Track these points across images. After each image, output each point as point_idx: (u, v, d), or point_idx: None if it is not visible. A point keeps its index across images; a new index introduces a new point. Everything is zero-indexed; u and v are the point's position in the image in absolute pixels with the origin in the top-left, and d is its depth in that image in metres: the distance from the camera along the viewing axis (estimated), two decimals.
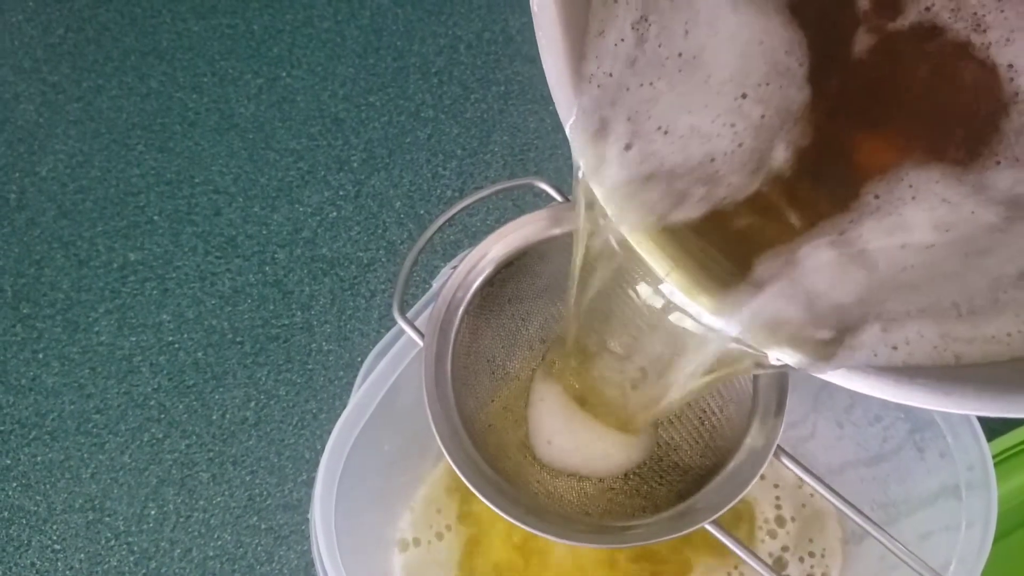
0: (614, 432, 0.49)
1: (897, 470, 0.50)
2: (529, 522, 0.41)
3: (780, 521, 0.55)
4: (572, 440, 0.49)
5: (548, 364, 0.51)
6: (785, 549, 0.55)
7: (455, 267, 0.46)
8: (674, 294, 0.31)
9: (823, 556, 0.54)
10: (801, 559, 0.54)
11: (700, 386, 0.48)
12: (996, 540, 0.50)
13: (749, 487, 0.41)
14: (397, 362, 0.46)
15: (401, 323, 0.44)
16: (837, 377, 0.28)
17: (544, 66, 0.30)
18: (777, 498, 0.56)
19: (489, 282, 0.46)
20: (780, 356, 0.29)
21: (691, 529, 0.41)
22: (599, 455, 0.49)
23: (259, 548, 0.60)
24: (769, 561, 0.55)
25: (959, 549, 0.43)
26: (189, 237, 0.70)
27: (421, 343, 0.44)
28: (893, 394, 0.28)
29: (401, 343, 0.46)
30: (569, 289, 0.42)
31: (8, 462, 0.63)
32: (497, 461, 0.46)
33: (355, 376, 0.65)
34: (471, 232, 0.67)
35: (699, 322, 0.31)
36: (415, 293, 0.45)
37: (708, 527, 0.41)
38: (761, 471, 0.41)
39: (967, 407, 0.27)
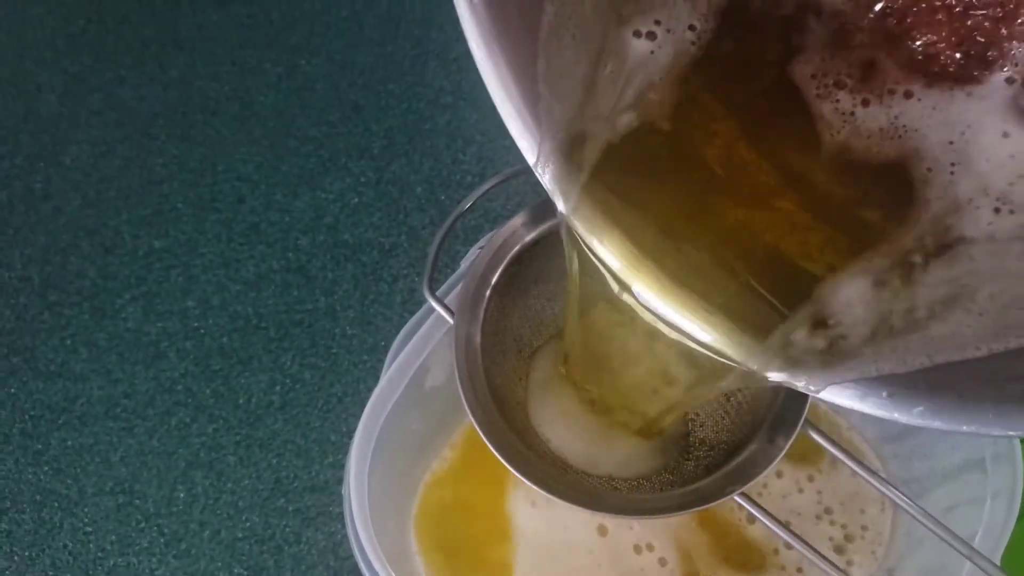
0: (624, 439, 0.50)
1: (921, 446, 0.50)
2: (560, 493, 0.42)
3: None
4: (583, 449, 0.50)
5: (544, 371, 0.52)
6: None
7: (483, 247, 0.47)
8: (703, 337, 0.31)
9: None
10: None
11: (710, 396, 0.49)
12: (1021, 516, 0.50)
13: (778, 460, 0.42)
14: (427, 340, 0.46)
15: (432, 302, 0.45)
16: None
17: (503, 117, 0.31)
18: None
19: (516, 261, 0.47)
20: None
21: (721, 500, 0.41)
22: (613, 463, 0.50)
23: (287, 529, 0.61)
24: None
25: (985, 520, 0.43)
26: (213, 224, 0.70)
27: (451, 321, 0.45)
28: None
29: (430, 322, 0.47)
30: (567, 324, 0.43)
31: (39, 447, 0.64)
32: (526, 436, 0.47)
33: (379, 360, 0.66)
34: (492, 217, 0.68)
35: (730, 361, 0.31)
36: (438, 277, 0.46)
37: (737, 498, 0.42)
38: (790, 444, 0.42)
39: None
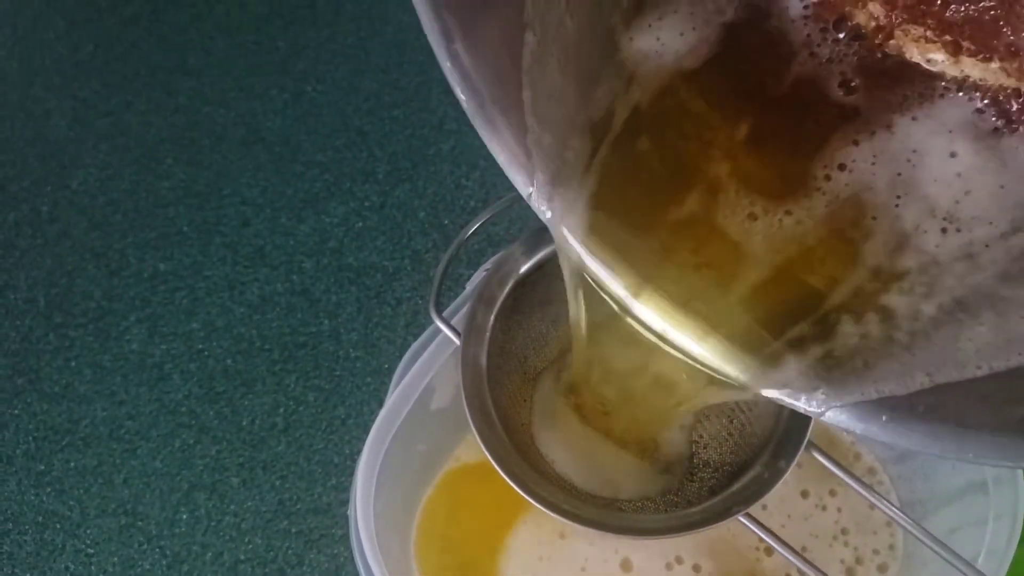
0: (628, 461, 0.50)
1: (923, 468, 0.50)
2: (564, 513, 0.42)
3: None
4: (587, 471, 0.50)
5: (549, 393, 0.52)
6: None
7: (488, 269, 0.48)
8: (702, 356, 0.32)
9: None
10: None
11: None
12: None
13: (782, 479, 0.42)
14: (432, 361, 0.47)
15: (438, 322, 0.46)
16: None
17: (494, 154, 0.32)
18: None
19: (521, 283, 0.47)
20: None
21: (726, 520, 0.42)
22: (617, 485, 0.50)
23: (289, 552, 0.61)
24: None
25: (987, 542, 0.44)
26: (218, 247, 0.71)
27: (458, 342, 0.45)
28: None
29: (436, 343, 0.47)
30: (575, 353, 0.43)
31: (42, 468, 0.64)
32: (529, 457, 0.47)
33: (383, 382, 0.66)
34: (495, 240, 0.68)
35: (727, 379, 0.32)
36: (443, 300, 0.46)
37: (742, 519, 0.42)
38: (794, 463, 0.42)
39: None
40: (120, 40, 0.80)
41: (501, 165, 0.32)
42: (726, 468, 0.47)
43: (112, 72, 0.79)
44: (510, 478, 0.42)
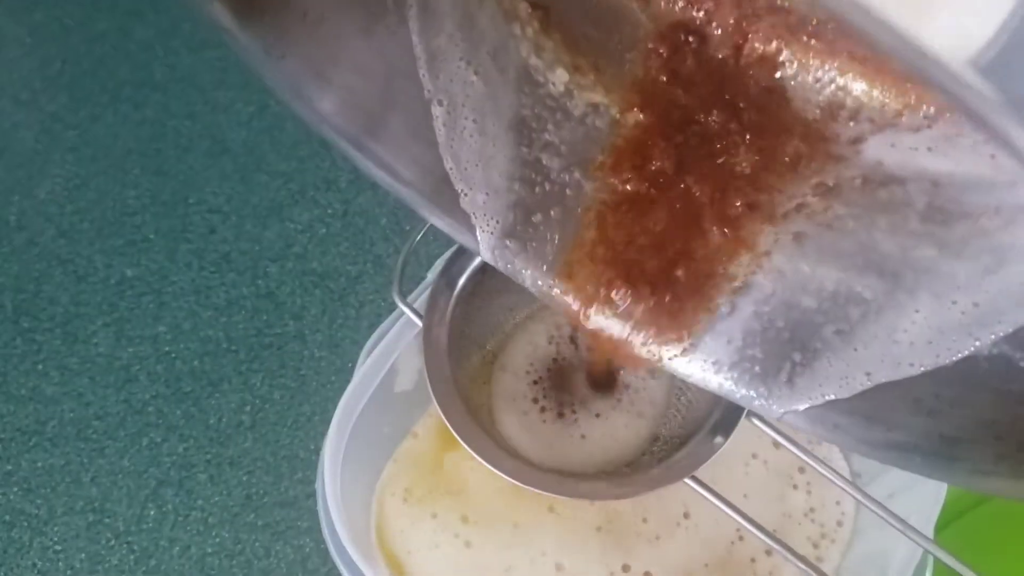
0: (586, 447, 0.53)
1: None
2: (529, 481, 0.45)
3: None
4: (546, 454, 0.52)
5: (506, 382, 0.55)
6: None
7: (449, 257, 0.50)
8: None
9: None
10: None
11: None
12: (953, 519, 0.54)
13: (725, 444, 0.45)
14: (396, 342, 0.49)
15: (401, 306, 0.48)
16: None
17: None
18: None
19: (481, 270, 0.50)
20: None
21: (672, 482, 0.44)
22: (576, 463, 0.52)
23: (256, 544, 0.63)
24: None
25: (918, 500, 0.47)
26: (184, 254, 0.73)
27: (420, 324, 0.48)
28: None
29: (399, 325, 0.50)
30: None
31: (9, 468, 0.65)
32: (491, 435, 0.49)
33: (347, 380, 0.68)
34: None
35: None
36: (407, 286, 0.49)
37: (688, 481, 0.45)
38: (735, 429, 0.45)
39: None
40: (87, 56, 0.82)
41: (447, 233, 0.35)
42: (674, 441, 0.50)
43: (79, 87, 0.81)
44: (473, 450, 0.45)
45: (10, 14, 0.84)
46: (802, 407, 0.33)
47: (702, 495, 0.43)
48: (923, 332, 0.30)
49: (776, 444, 0.46)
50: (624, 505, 0.54)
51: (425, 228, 0.49)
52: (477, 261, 0.50)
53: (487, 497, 0.54)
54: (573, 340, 0.55)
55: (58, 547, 0.63)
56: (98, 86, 0.81)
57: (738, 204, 0.32)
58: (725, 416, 0.47)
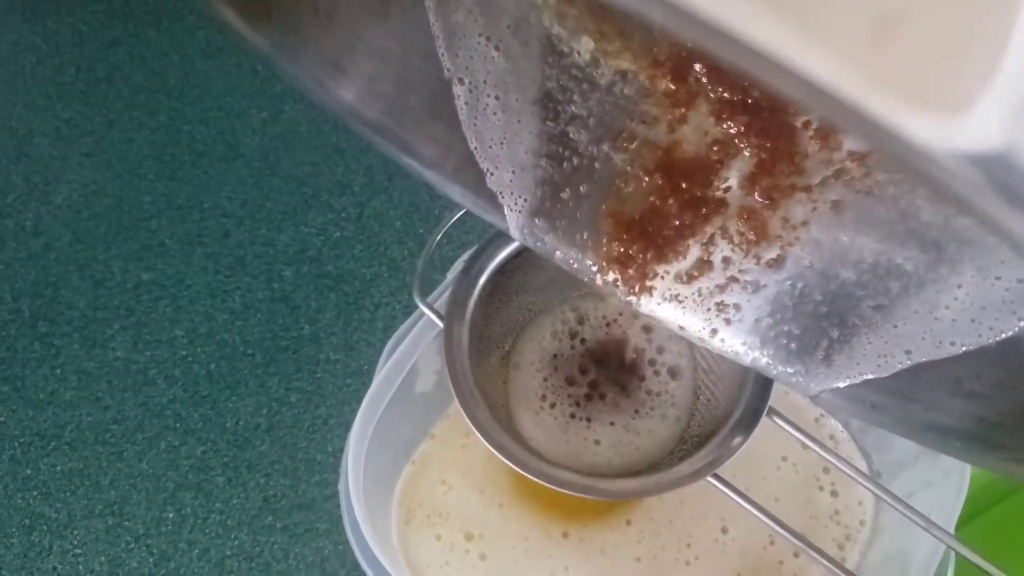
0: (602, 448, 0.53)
1: (877, 441, 0.54)
2: (553, 481, 0.45)
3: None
4: (564, 455, 0.53)
5: (523, 383, 0.55)
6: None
7: (467, 258, 0.51)
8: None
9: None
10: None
11: None
12: (974, 516, 0.54)
13: (747, 442, 0.45)
14: (416, 343, 0.50)
15: (422, 307, 0.48)
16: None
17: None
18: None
19: (500, 271, 0.50)
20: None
21: (695, 481, 0.45)
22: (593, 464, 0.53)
23: (275, 546, 0.63)
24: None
25: (939, 499, 0.47)
26: (200, 258, 0.73)
27: (441, 324, 0.48)
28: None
29: (419, 326, 0.50)
30: None
31: (28, 472, 0.65)
32: (510, 431, 0.50)
33: (363, 384, 0.69)
34: (480, 231, 0.71)
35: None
36: (427, 287, 0.50)
37: (713, 481, 0.45)
38: (755, 429, 0.45)
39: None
40: (102, 63, 0.83)
41: (475, 213, 0.35)
42: (692, 440, 0.50)
43: (94, 93, 0.81)
44: (496, 448, 0.45)
45: (24, 21, 0.85)
46: (840, 385, 0.33)
47: (741, 507, 0.43)
48: (965, 309, 0.29)
49: (804, 446, 0.46)
50: (665, 530, 0.55)
51: (444, 230, 0.50)
52: (496, 261, 0.50)
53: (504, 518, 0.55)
54: (580, 337, 0.56)
55: (78, 551, 0.63)
56: (113, 92, 0.81)
57: (779, 168, 0.32)
58: (746, 414, 0.48)
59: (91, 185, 0.77)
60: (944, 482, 0.48)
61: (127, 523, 0.64)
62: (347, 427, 0.62)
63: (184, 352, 0.70)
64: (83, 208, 0.75)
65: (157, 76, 0.82)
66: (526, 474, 0.45)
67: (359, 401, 0.67)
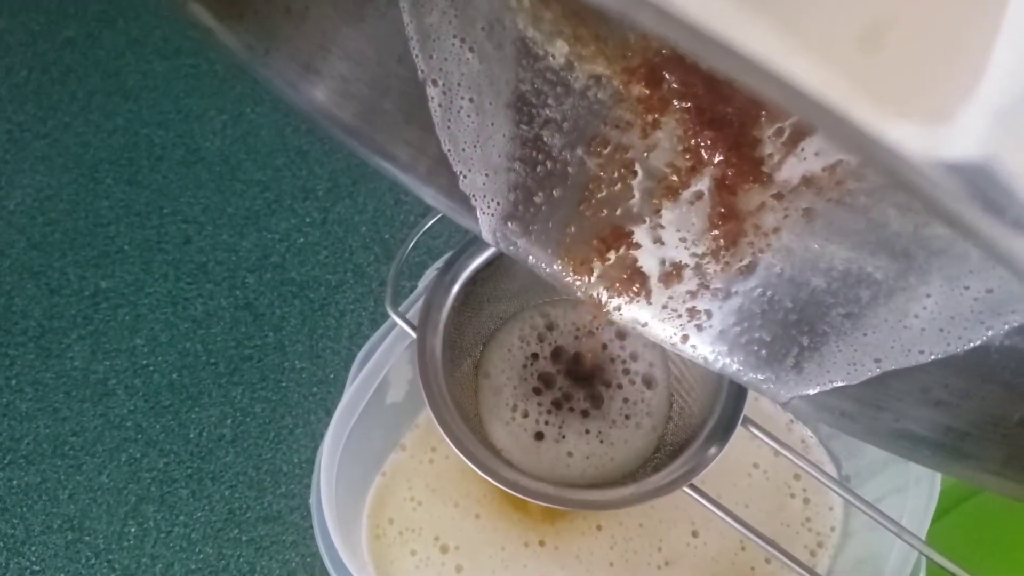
0: (575, 461, 0.53)
1: (847, 446, 0.54)
2: (528, 493, 0.44)
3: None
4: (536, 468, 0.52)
5: (495, 393, 0.55)
6: None
7: (439, 267, 0.50)
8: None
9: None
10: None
11: None
12: (947, 511, 0.55)
13: (722, 452, 0.45)
14: (389, 354, 0.49)
15: (394, 317, 0.48)
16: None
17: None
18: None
19: (472, 280, 0.50)
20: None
21: (671, 492, 0.44)
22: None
23: (241, 559, 0.62)
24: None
25: (909, 504, 0.47)
26: (160, 264, 0.72)
27: (413, 335, 0.47)
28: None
29: (391, 336, 0.49)
30: None
31: None
32: (483, 442, 0.49)
33: (329, 392, 0.68)
34: (452, 240, 0.71)
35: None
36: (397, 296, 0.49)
37: (687, 490, 0.45)
38: (730, 439, 0.45)
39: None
40: (55, 64, 0.80)
41: (449, 216, 0.35)
42: (667, 448, 0.50)
43: (48, 95, 0.79)
44: (470, 460, 0.45)
45: None
46: (810, 392, 0.33)
47: (711, 512, 0.43)
48: (934, 318, 0.30)
49: (775, 453, 0.46)
50: (636, 534, 0.55)
51: (416, 238, 0.49)
52: (469, 270, 0.50)
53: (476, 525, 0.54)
54: (551, 344, 0.55)
55: (36, 567, 0.61)
56: (67, 94, 0.79)
57: (749, 175, 0.32)
58: (720, 420, 0.48)
59: (46, 190, 0.74)
60: (915, 487, 0.48)
61: (87, 538, 0.62)
62: (314, 437, 0.62)
63: (145, 361, 0.68)
64: (38, 214, 0.73)
65: (113, 78, 0.80)
66: (500, 485, 0.45)
67: (325, 410, 0.67)
